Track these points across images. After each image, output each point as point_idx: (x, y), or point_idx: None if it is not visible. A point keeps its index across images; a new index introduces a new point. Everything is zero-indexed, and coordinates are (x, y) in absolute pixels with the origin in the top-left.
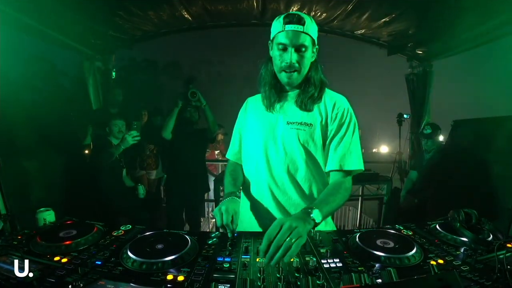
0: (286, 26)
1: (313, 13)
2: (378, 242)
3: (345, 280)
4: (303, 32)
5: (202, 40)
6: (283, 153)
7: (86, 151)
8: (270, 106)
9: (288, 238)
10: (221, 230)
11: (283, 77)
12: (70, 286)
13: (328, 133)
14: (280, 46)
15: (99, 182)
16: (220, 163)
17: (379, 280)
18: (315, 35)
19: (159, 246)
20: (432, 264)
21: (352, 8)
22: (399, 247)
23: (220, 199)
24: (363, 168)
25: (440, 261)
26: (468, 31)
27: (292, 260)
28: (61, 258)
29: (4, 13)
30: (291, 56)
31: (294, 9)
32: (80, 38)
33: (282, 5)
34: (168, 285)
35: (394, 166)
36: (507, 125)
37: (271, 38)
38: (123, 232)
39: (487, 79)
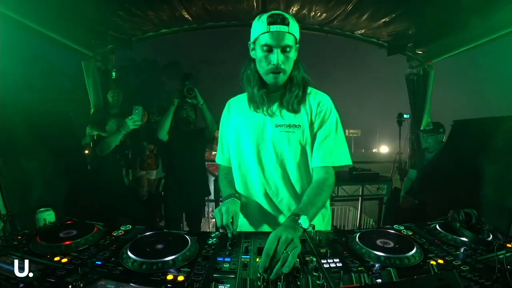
0: (271, 26)
1: (313, 13)
2: (378, 242)
3: (345, 280)
4: (288, 32)
5: (202, 40)
6: (274, 156)
7: (86, 151)
8: (258, 108)
9: (285, 251)
10: (221, 231)
11: (269, 78)
12: (70, 286)
13: (314, 131)
14: (265, 48)
15: (99, 182)
16: None
17: (379, 280)
18: (297, 34)
19: (159, 246)
20: (432, 264)
21: (352, 8)
22: (399, 247)
23: (220, 199)
24: (351, 163)
25: (440, 261)
26: (468, 31)
27: None
28: (61, 258)
29: (4, 14)
30: (278, 57)
31: (294, 9)
32: (80, 39)
33: (282, 5)
34: (168, 285)
35: (394, 166)
36: (507, 125)
37: (252, 40)
38: (123, 232)
39: (487, 79)
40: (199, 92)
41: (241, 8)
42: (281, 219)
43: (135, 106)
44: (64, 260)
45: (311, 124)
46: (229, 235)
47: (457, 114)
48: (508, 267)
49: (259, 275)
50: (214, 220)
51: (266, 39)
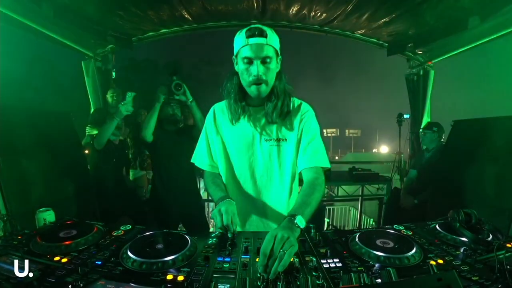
0: (249, 39)
1: (313, 13)
2: (378, 242)
3: (344, 280)
4: (266, 44)
5: (202, 40)
6: (266, 169)
7: (86, 151)
8: (236, 120)
9: (282, 250)
10: (221, 231)
11: (253, 90)
12: (70, 286)
13: (299, 139)
14: (246, 60)
15: (99, 182)
16: None
17: (379, 280)
18: (277, 46)
19: (159, 246)
20: (431, 264)
21: (352, 8)
22: (399, 247)
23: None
24: (329, 166)
25: (440, 261)
26: (468, 31)
27: (292, 260)
28: (61, 258)
29: (4, 14)
30: (258, 68)
31: (294, 9)
32: (80, 39)
33: (282, 5)
34: (168, 285)
35: (394, 166)
36: (507, 125)
37: (235, 54)
38: (123, 232)
39: (487, 79)
40: (188, 88)
41: (241, 8)
42: (274, 225)
43: (129, 92)
44: (64, 260)
45: (297, 135)
46: (230, 235)
47: (457, 114)
48: (508, 267)
49: (259, 275)
50: (213, 220)
51: (246, 52)
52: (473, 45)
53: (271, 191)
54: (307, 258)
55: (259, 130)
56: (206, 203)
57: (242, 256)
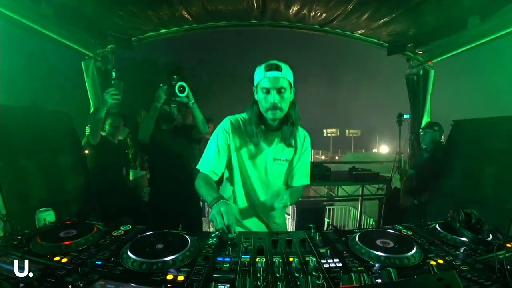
0: (268, 73)
1: (313, 13)
2: (378, 242)
3: (344, 280)
4: (281, 77)
5: (202, 40)
6: (270, 183)
7: (86, 151)
8: (256, 142)
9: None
10: (221, 231)
11: (269, 115)
12: (70, 286)
13: (296, 159)
14: (264, 90)
15: (99, 182)
16: None
17: (379, 280)
18: (291, 79)
19: (159, 246)
20: (431, 264)
21: (352, 8)
22: (399, 247)
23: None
24: (308, 183)
25: (440, 261)
26: (468, 31)
27: (291, 259)
28: (61, 258)
29: (3, 14)
30: (274, 97)
31: (294, 9)
32: (80, 38)
33: (282, 5)
34: (168, 285)
35: (394, 166)
36: (507, 125)
37: (255, 85)
38: (123, 232)
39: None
40: (190, 89)
41: (241, 8)
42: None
43: (116, 80)
44: (64, 260)
45: (297, 157)
46: (231, 235)
47: (457, 114)
48: (508, 267)
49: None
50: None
51: (264, 83)
52: (473, 45)
53: (271, 198)
54: (307, 258)
55: (271, 150)
56: (206, 203)
57: (242, 256)
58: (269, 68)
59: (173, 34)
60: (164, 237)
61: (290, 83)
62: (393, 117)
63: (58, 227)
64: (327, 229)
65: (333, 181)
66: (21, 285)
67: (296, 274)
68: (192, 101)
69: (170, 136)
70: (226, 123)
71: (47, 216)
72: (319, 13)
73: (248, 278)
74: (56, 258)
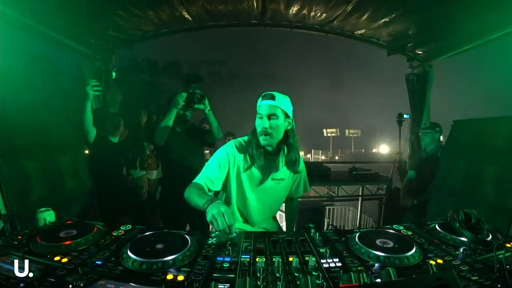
0: (263, 102)
1: (313, 13)
2: (378, 242)
3: (344, 279)
4: (273, 105)
5: (202, 40)
6: (268, 201)
7: (86, 151)
8: (258, 164)
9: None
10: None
11: (261, 139)
12: (70, 286)
13: (293, 176)
14: (259, 115)
15: (99, 182)
16: None
17: (379, 280)
18: (286, 108)
19: (159, 246)
20: (431, 264)
21: (352, 8)
22: (399, 247)
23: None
24: (309, 190)
25: (440, 261)
26: (468, 31)
27: (291, 259)
28: (61, 258)
29: (4, 13)
30: (264, 122)
31: (294, 9)
32: (80, 38)
33: (282, 5)
34: (168, 285)
35: (394, 166)
36: (507, 125)
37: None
38: (123, 232)
39: (487, 79)
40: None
41: (241, 8)
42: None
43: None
44: (64, 260)
45: (293, 176)
46: (232, 234)
47: (457, 114)
48: (507, 267)
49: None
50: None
51: (259, 110)
52: (473, 45)
53: (268, 210)
54: (307, 258)
55: (270, 171)
56: None
57: (242, 256)
58: (264, 97)
59: (173, 34)
60: (164, 237)
61: (284, 112)
62: (393, 117)
63: (58, 227)
64: (327, 229)
65: (333, 181)
66: (21, 285)
67: (296, 274)
68: (208, 108)
69: (183, 138)
70: (229, 146)
71: (47, 216)
72: (319, 13)
73: (248, 278)
74: (56, 258)
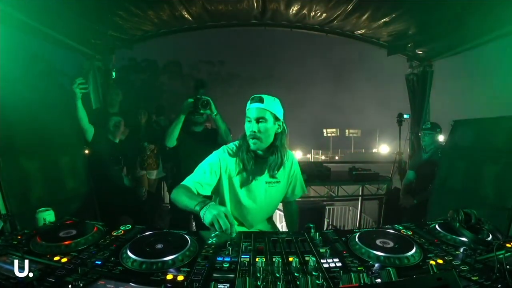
0: (251, 105)
1: (313, 13)
2: (378, 242)
3: (344, 280)
4: (262, 108)
5: (202, 40)
6: (263, 204)
7: (86, 151)
8: (249, 168)
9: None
10: (223, 233)
11: (251, 142)
12: (70, 286)
13: (288, 179)
14: (248, 119)
15: (99, 182)
16: None
17: (379, 280)
18: (276, 111)
19: (159, 246)
20: (431, 264)
21: (352, 8)
22: (399, 247)
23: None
24: (306, 191)
25: (440, 261)
26: (468, 31)
27: (291, 259)
28: (61, 258)
29: (4, 13)
30: (253, 126)
31: (294, 9)
32: (80, 38)
33: (282, 5)
34: (168, 285)
35: (394, 166)
36: (507, 125)
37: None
38: (123, 232)
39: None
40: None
41: (241, 8)
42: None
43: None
44: (64, 260)
45: (288, 177)
46: (233, 234)
47: (457, 114)
48: (508, 267)
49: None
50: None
51: (248, 113)
52: (473, 44)
53: (263, 212)
54: (307, 258)
55: (262, 174)
56: None
57: (242, 256)
58: (253, 100)
59: (173, 34)
60: (164, 237)
61: (273, 115)
62: (393, 117)
63: (58, 227)
64: (327, 229)
65: (333, 181)
66: (21, 285)
67: (296, 274)
68: (215, 113)
69: (197, 138)
70: (221, 151)
71: (47, 216)
72: (319, 13)
73: (248, 278)
74: (56, 258)
